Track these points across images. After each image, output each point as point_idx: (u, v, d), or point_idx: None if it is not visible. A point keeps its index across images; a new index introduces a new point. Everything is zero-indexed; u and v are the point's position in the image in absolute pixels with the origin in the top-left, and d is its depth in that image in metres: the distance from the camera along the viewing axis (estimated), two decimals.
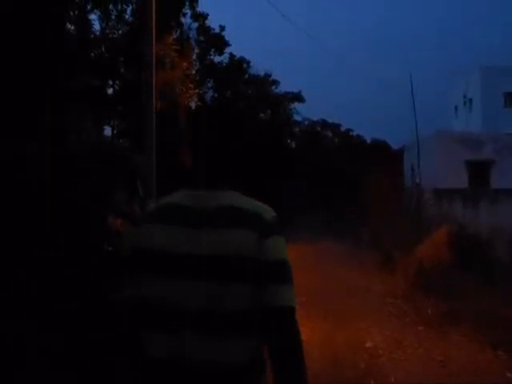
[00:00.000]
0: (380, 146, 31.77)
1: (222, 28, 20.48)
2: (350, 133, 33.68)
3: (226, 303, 1.16)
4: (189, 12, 17.88)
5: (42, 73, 4.56)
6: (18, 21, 4.50)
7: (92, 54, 12.49)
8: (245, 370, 1.17)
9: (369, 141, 34.37)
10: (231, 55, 22.10)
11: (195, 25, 18.94)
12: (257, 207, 1.26)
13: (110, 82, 13.65)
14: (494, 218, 12.45)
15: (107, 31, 13.49)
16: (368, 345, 5.29)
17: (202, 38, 19.69)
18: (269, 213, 1.26)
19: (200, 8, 18.42)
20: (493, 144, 16.71)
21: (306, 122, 29.25)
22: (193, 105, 15.22)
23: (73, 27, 11.18)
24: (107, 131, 13.33)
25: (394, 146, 29.08)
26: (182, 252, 1.19)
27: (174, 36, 13.70)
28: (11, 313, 3.42)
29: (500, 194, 14.10)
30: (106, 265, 3.89)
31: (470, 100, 31.43)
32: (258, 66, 27.65)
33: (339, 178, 23.17)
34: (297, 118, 26.96)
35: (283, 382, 1.16)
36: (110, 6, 13.30)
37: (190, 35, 18.57)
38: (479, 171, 16.19)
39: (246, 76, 23.35)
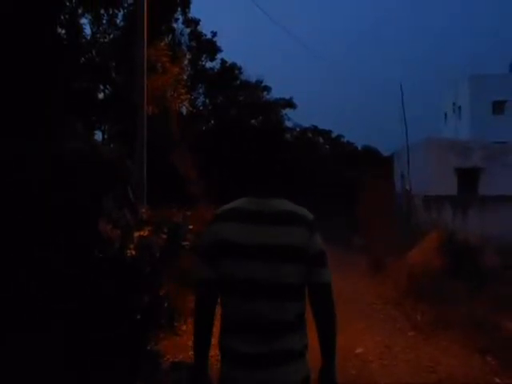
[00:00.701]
0: (371, 153, 31.99)
1: (214, 34, 20.56)
2: (341, 139, 33.89)
3: (284, 278, 1.66)
4: (180, 17, 17.93)
5: (43, 73, 4.53)
6: (18, 21, 4.46)
7: (83, 59, 12.43)
8: (294, 322, 1.70)
9: (359, 147, 34.60)
10: (223, 61, 22.16)
11: (187, 30, 18.99)
12: (302, 211, 1.76)
13: (101, 87, 13.59)
14: (482, 224, 12.58)
15: (98, 35, 13.44)
16: (358, 351, 5.30)
17: (193, 44, 19.73)
18: (310, 215, 1.77)
19: (192, 14, 18.48)
20: (481, 151, 16.90)
21: (298, 129, 29.37)
22: (184, 110, 15.21)
23: (64, 31, 11.12)
24: (98, 136, 13.26)
25: (385, 152, 29.33)
26: (255, 242, 1.67)
27: (166, 41, 13.70)
28: (11, 313, 3.38)
29: (488, 201, 14.26)
30: (96, 271, 3.86)
31: (459, 107, 31.81)
32: (250, 72, 27.72)
33: (332, 184, 23.26)
34: (288, 124, 27.04)
35: (324, 334, 1.77)
36: (101, 11, 13.25)
37: (182, 41, 18.61)
38: (468, 178, 16.36)
39: (238, 82, 23.40)
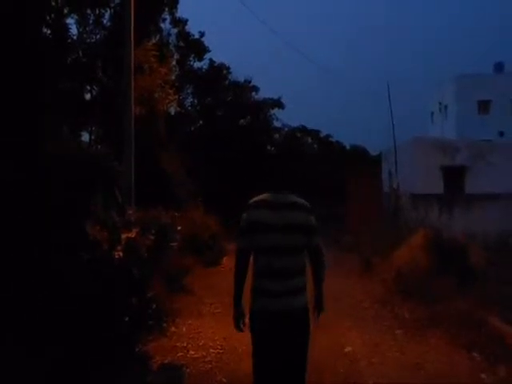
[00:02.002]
0: (359, 152, 32.20)
1: (202, 34, 20.50)
2: (330, 139, 34.02)
3: (292, 242, 2.76)
4: (168, 17, 17.84)
5: (27, 73, 4.47)
6: (1, 20, 4.39)
7: (69, 59, 12.29)
8: (300, 269, 2.80)
9: (348, 147, 34.79)
10: (211, 61, 22.13)
11: (174, 30, 18.90)
12: (303, 201, 2.85)
13: (88, 87, 13.47)
14: (468, 221, 12.75)
15: (85, 35, 13.31)
16: (347, 349, 5.33)
17: (181, 44, 19.64)
18: (308, 204, 2.85)
19: (179, 14, 18.41)
20: (467, 150, 17.11)
21: (286, 128, 29.40)
22: (172, 110, 15.15)
23: (49, 31, 10.99)
24: (85, 137, 13.13)
25: (373, 151, 29.56)
26: (274, 221, 2.74)
27: (153, 41, 13.62)
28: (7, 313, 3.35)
29: (474, 199, 14.46)
30: (84, 273, 3.83)
31: (446, 107, 32.18)
32: (238, 73, 27.67)
33: (321, 183, 23.36)
34: (277, 124, 27.04)
35: (317, 273, 2.93)
36: (88, 10, 13.13)
37: (170, 41, 18.51)
38: (454, 176, 16.55)
39: (226, 82, 23.36)
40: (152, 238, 5.26)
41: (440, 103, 33.02)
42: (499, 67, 31.62)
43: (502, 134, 27.19)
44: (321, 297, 3.03)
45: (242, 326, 2.89)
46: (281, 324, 2.73)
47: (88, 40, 13.39)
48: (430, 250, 8.83)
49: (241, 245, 2.85)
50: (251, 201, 2.85)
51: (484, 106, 29.91)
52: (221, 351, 5.24)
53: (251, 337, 2.83)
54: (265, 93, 26.65)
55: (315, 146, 33.32)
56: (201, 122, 23.01)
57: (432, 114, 35.48)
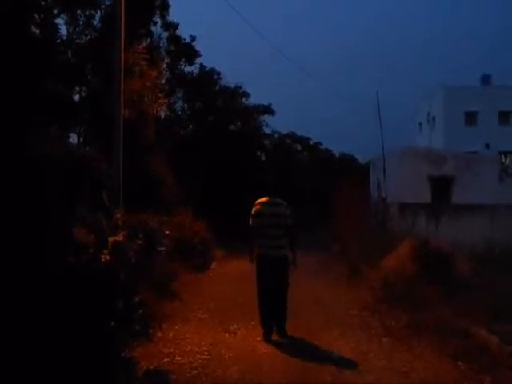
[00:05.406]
0: (348, 160, 32.40)
1: (193, 38, 20.50)
2: (319, 146, 34.17)
3: (279, 222, 6.03)
4: (159, 21, 17.80)
5: (15, 74, 4.41)
6: (5, 20, 4.33)
7: (58, 59, 12.16)
8: (282, 235, 6.03)
9: (337, 155, 34.98)
10: (202, 66, 22.11)
11: (165, 34, 18.86)
12: (284, 202, 6.16)
13: (77, 89, 13.34)
14: (455, 231, 12.88)
15: (74, 36, 13.20)
16: (334, 357, 5.30)
17: (172, 48, 19.60)
18: (286, 203, 6.17)
19: (171, 17, 18.39)
20: (454, 161, 17.34)
21: (276, 135, 29.45)
22: (162, 114, 15.07)
23: (38, 31, 10.87)
24: (73, 138, 12.98)
25: (362, 159, 29.75)
26: (270, 212, 6.07)
27: (144, 44, 13.56)
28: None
29: (460, 209, 14.64)
30: (69, 277, 3.77)
31: (433, 118, 32.63)
32: (229, 78, 27.66)
33: (310, 191, 23.42)
34: (266, 130, 27.06)
35: (292, 242, 6.15)
36: (78, 11, 13.02)
37: (160, 44, 18.46)
38: (441, 186, 16.75)
39: (217, 87, 23.36)
40: (140, 241, 5.20)
41: (428, 114, 33.47)
42: (486, 79, 32.19)
43: (487, 146, 27.63)
44: (295, 257, 6.07)
45: (253, 261, 6.01)
46: (271, 262, 5.87)
47: (78, 41, 13.27)
48: (417, 259, 8.88)
49: (253, 223, 5.99)
50: (258, 200, 6.07)
51: (471, 118, 30.40)
52: (207, 357, 5.18)
53: (256, 272, 5.99)
54: (255, 99, 26.64)
55: (304, 153, 33.43)
56: (191, 126, 22.96)
57: (420, 124, 35.94)
